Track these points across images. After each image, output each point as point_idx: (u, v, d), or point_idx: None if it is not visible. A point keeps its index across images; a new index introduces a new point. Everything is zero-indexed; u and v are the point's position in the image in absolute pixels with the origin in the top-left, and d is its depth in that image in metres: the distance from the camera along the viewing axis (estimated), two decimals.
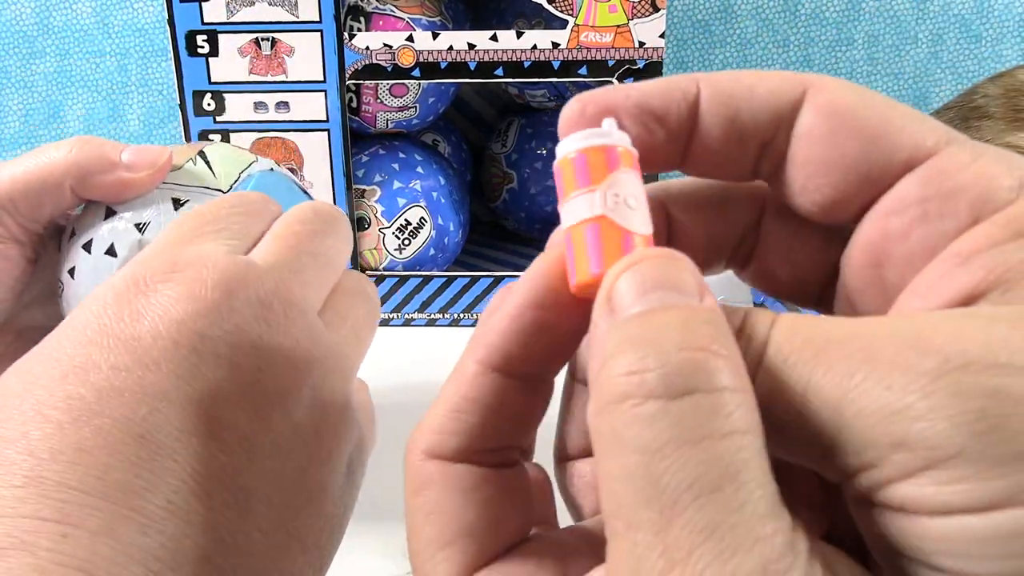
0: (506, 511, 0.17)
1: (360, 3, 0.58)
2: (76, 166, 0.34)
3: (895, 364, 0.14)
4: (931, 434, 0.14)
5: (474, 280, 0.61)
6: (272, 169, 0.37)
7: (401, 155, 0.61)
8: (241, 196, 0.29)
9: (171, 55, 0.56)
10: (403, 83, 0.58)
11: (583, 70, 0.55)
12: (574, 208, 0.17)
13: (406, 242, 0.60)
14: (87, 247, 0.33)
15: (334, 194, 0.59)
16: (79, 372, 0.22)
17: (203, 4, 0.54)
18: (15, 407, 0.22)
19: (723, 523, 0.14)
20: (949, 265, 0.17)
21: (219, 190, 0.34)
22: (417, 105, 0.60)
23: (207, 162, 0.35)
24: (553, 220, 0.68)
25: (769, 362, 0.15)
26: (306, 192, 0.38)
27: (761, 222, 0.21)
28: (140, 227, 0.33)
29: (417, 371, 0.56)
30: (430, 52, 0.55)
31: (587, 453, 0.22)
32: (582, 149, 0.18)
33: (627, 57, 0.55)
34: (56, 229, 0.37)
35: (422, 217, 0.60)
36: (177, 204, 0.34)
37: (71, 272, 0.34)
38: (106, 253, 0.33)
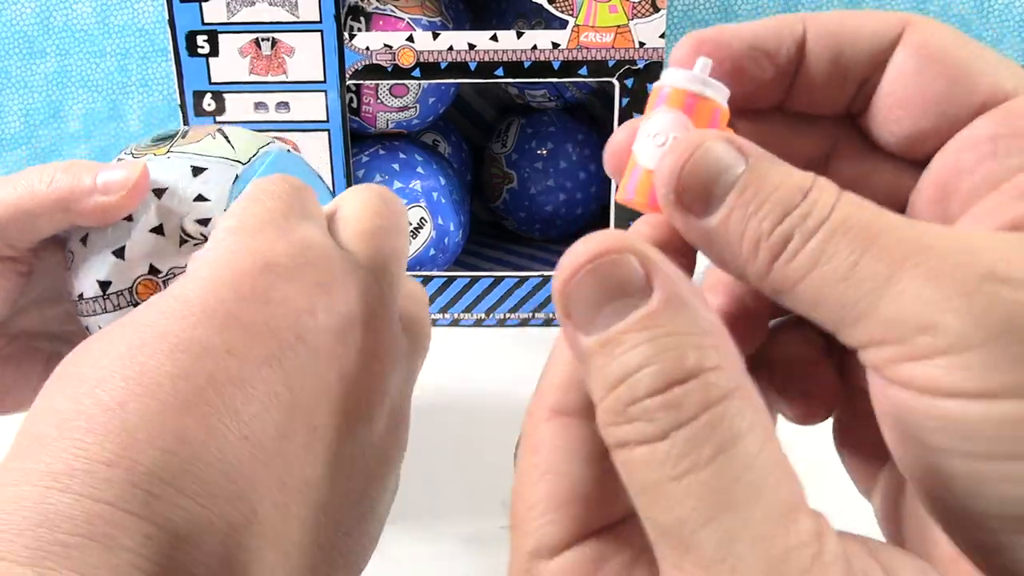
0: (620, 485, 0.17)
1: (360, 3, 0.58)
2: (58, 199, 0.32)
3: (943, 264, 0.16)
4: (957, 326, 0.15)
5: (474, 280, 0.61)
6: (289, 151, 0.37)
7: (401, 155, 0.61)
8: (287, 178, 0.27)
9: (171, 55, 0.56)
10: (403, 83, 0.58)
11: (583, 70, 0.55)
12: (639, 129, 0.20)
13: None
14: (118, 253, 0.33)
15: (334, 194, 0.59)
16: (191, 351, 0.20)
17: (203, 4, 0.54)
18: (116, 372, 0.20)
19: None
20: (1007, 197, 0.18)
21: (238, 161, 0.34)
22: (417, 105, 0.60)
23: (226, 137, 0.35)
24: (552, 220, 0.68)
25: (830, 227, 0.17)
26: (320, 176, 0.38)
27: (828, 163, 0.22)
28: (158, 193, 0.33)
29: None
30: (430, 52, 0.55)
31: None
32: (670, 85, 0.19)
33: (627, 57, 0.55)
34: (53, 237, 0.36)
35: (422, 217, 0.60)
36: (196, 171, 0.33)
37: (83, 240, 0.33)
38: (124, 218, 0.33)
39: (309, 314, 0.22)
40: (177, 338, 0.21)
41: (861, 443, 0.22)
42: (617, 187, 0.20)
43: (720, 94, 0.19)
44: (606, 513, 0.18)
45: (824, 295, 0.17)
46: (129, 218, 0.33)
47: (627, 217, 0.59)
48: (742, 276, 0.18)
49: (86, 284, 0.33)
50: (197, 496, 0.19)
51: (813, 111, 0.21)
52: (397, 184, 0.60)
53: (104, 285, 0.33)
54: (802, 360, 0.22)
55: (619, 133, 0.21)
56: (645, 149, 0.19)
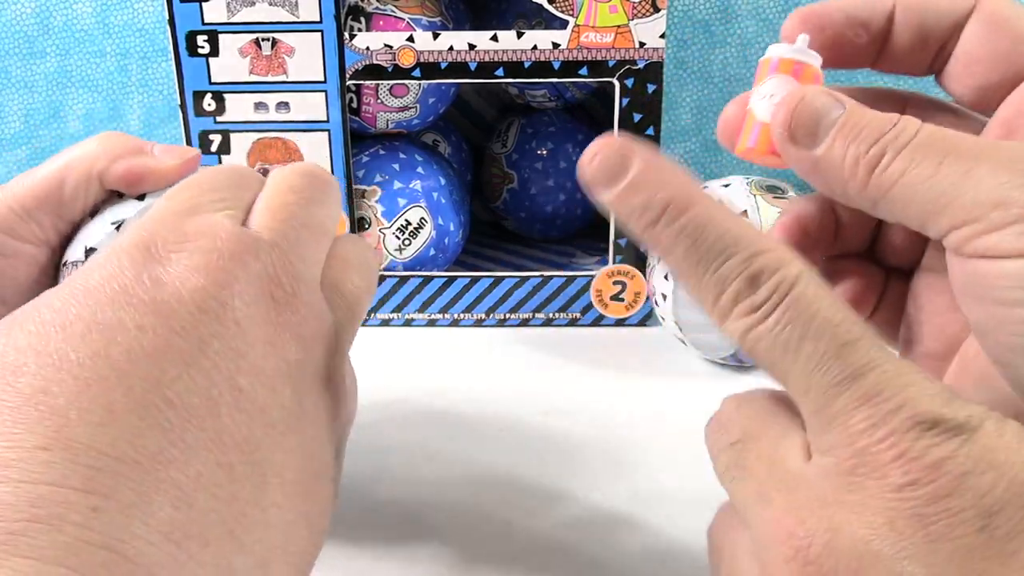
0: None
1: (360, 3, 0.58)
2: (105, 152, 0.33)
3: (1012, 156, 0.20)
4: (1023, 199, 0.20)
5: (474, 280, 0.61)
6: None
7: (401, 155, 0.61)
8: (231, 166, 0.28)
9: (171, 55, 0.56)
10: (403, 83, 0.58)
11: (583, 70, 0.55)
12: (753, 94, 0.25)
13: (406, 242, 0.60)
14: (118, 226, 0.32)
15: None
16: (104, 330, 0.21)
17: (203, 4, 0.54)
18: (28, 361, 0.20)
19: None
20: None
21: None
22: (417, 105, 0.60)
23: None
24: (553, 220, 0.68)
25: (916, 143, 0.21)
26: None
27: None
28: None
29: (418, 372, 0.56)
30: (430, 52, 0.55)
31: None
32: (777, 56, 0.24)
33: (627, 57, 0.55)
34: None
35: (422, 217, 0.60)
36: None
37: (92, 212, 0.33)
38: (136, 197, 0.32)
39: (209, 288, 0.23)
40: (86, 321, 0.21)
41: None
42: (735, 144, 0.25)
43: (817, 61, 0.25)
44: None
45: (913, 194, 0.21)
46: (141, 197, 0.32)
47: None
48: (844, 195, 0.23)
49: (77, 250, 0.33)
50: (139, 463, 0.19)
51: (900, 71, 0.26)
52: (397, 184, 0.60)
53: (90, 252, 0.32)
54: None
55: (730, 108, 0.26)
56: (761, 106, 0.24)
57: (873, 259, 0.28)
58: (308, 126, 0.57)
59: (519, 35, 0.55)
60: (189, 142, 0.58)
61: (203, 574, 0.20)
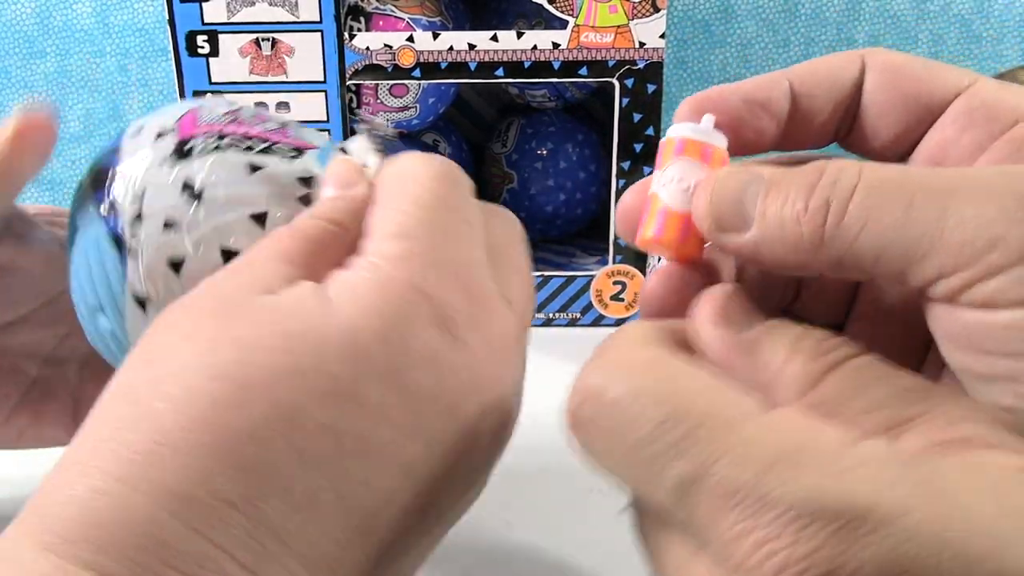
0: None
1: (360, 3, 0.58)
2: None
3: (993, 186, 0.18)
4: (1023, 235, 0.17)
5: None
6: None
7: None
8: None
9: (171, 55, 0.56)
10: (403, 83, 0.58)
11: (583, 70, 0.55)
12: (655, 178, 0.23)
13: None
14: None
15: None
16: (339, 398, 0.19)
17: (203, 4, 0.54)
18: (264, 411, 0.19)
19: None
20: (1011, 148, 0.21)
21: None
22: (417, 105, 0.60)
23: None
24: (552, 220, 0.68)
25: (866, 186, 0.19)
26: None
27: None
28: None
29: None
30: (430, 52, 0.55)
31: None
32: (681, 137, 0.22)
33: (627, 57, 0.55)
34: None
35: None
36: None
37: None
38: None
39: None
40: (327, 378, 0.20)
41: None
42: (636, 234, 0.23)
43: (724, 142, 0.22)
44: None
45: (886, 242, 0.18)
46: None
47: None
48: (802, 262, 0.19)
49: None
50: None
51: (805, 147, 0.24)
52: None
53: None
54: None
55: (629, 196, 0.23)
56: (669, 193, 0.22)
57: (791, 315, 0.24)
58: (308, 126, 0.57)
59: (519, 35, 0.55)
60: None
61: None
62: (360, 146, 0.29)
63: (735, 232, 0.20)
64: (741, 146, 0.23)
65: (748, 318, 0.20)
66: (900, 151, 0.24)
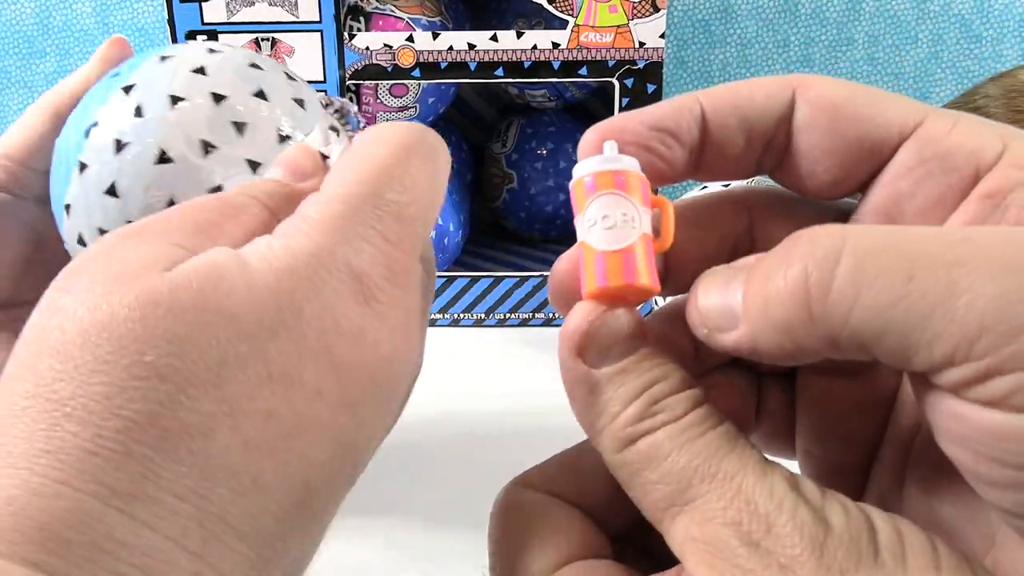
0: None
1: (360, 3, 0.58)
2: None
3: (1006, 257, 0.15)
4: None
5: (474, 280, 0.61)
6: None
7: None
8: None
9: None
10: (403, 83, 0.58)
11: (583, 70, 0.55)
12: (578, 226, 0.21)
13: None
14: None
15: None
16: (281, 381, 0.20)
17: (203, 4, 0.54)
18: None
19: None
20: (986, 207, 0.19)
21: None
22: (417, 105, 0.60)
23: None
24: (553, 220, 0.68)
25: (855, 254, 0.16)
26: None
27: (753, 229, 0.23)
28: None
29: None
30: (430, 52, 0.55)
31: None
32: (589, 173, 0.20)
33: (627, 57, 0.55)
34: None
35: None
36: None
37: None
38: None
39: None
40: (268, 364, 0.20)
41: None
42: (581, 292, 0.20)
43: (635, 165, 0.20)
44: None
45: (886, 320, 0.16)
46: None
47: None
48: (799, 346, 0.17)
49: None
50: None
51: (725, 177, 0.22)
52: None
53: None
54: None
55: (559, 264, 0.22)
56: (597, 236, 0.20)
57: (739, 364, 0.23)
58: None
59: (519, 35, 0.55)
60: None
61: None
62: (321, 134, 0.31)
63: (728, 331, 0.18)
64: (652, 176, 0.21)
65: (609, 352, 0.20)
66: (839, 194, 0.22)
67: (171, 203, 0.29)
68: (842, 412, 0.22)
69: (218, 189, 0.29)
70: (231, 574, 0.19)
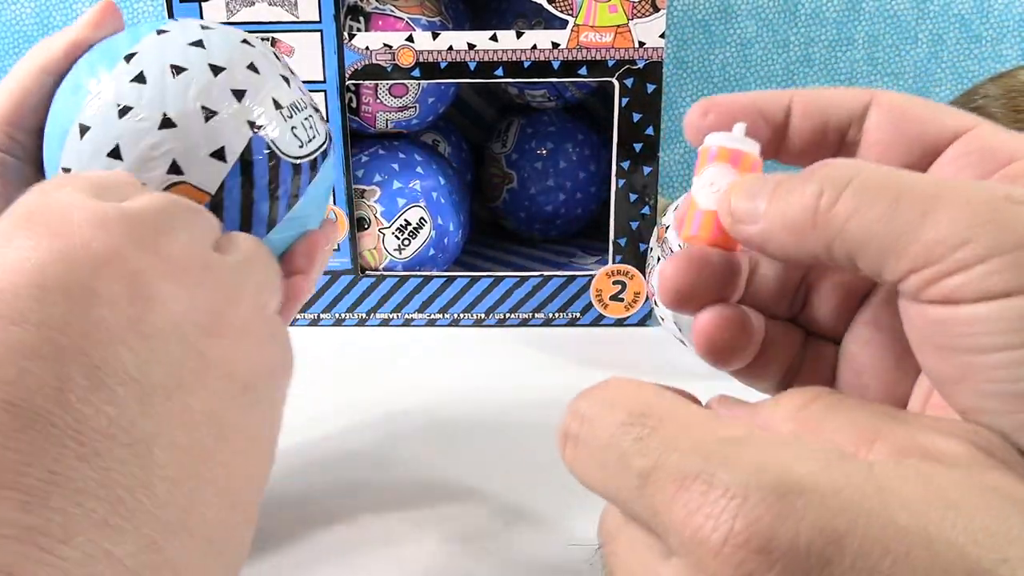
0: None
1: (360, 3, 0.58)
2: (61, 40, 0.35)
3: (968, 195, 0.19)
4: (989, 237, 0.19)
5: (474, 280, 0.61)
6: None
7: (401, 155, 0.61)
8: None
9: None
10: (403, 83, 0.58)
11: (583, 70, 0.55)
12: (694, 182, 0.25)
13: (406, 242, 0.60)
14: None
15: (334, 194, 0.59)
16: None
17: (203, 4, 0.54)
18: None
19: None
20: (1006, 181, 0.23)
21: None
22: (417, 105, 0.60)
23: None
24: (552, 219, 0.68)
25: (860, 184, 0.20)
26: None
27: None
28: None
29: (418, 371, 0.56)
30: (430, 52, 0.55)
31: None
32: (716, 145, 0.25)
33: (627, 57, 0.55)
34: None
35: (422, 217, 0.60)
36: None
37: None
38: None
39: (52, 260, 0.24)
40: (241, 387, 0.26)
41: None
42: (680, 229, 0.25)
43: (755, 148, 0.25)
44: None
45: (869, 235, 0.20)
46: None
47: (625, 219, 0.59)
48: (797, 247, 0.22)
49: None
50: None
51: (799, 164, 0.26)
52: (397, 184, 0.60)
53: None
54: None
55: (668, 265, 0.25)
56: (702, 195, 0.25)
57: (793, 321, 0.28)
58: None
59: (519, 35, 0.55)
60: None
61: None
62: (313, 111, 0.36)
63: (747, 223, 0.23)
64: None
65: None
66: None
67: (173, 166, 0.31)
68: (887, 366, 0.25)
69: (220, 152, 0.31)
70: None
